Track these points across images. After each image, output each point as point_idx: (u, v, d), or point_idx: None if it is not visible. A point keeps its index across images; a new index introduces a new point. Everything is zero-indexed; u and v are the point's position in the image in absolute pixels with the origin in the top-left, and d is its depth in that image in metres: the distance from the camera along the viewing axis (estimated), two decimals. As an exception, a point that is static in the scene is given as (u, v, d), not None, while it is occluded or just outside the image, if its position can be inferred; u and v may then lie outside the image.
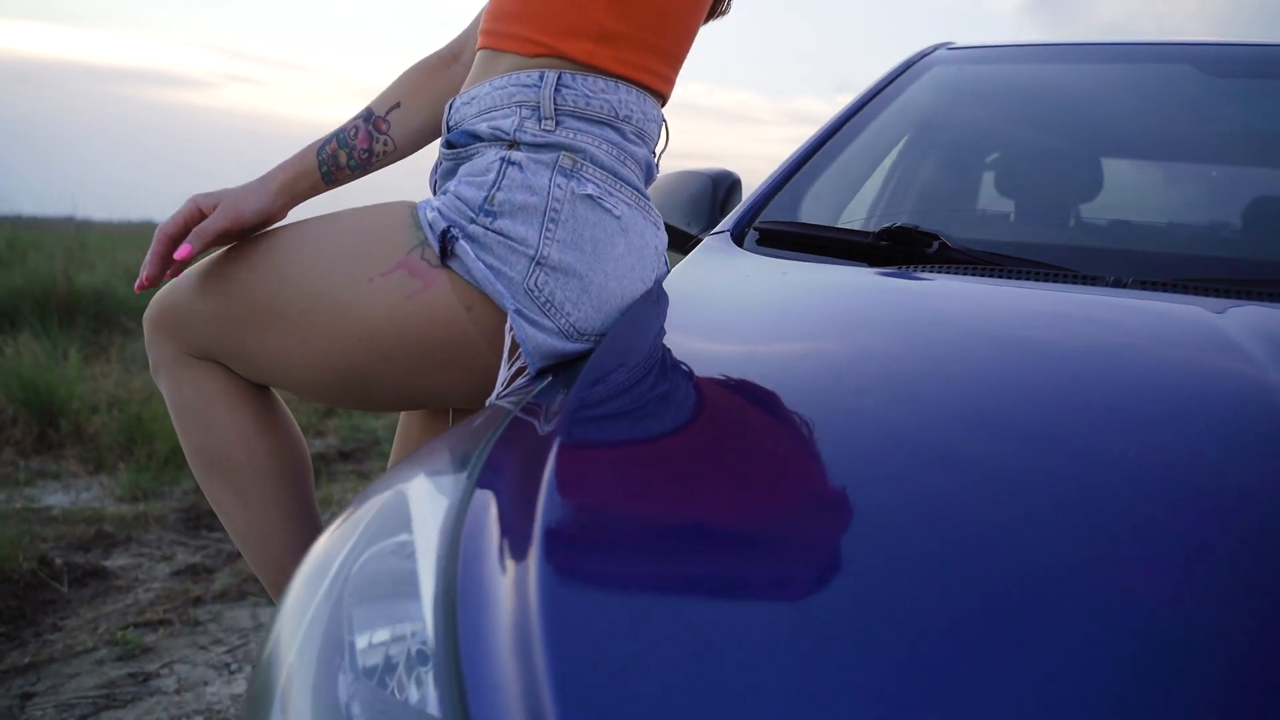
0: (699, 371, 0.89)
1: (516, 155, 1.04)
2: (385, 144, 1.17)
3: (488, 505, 0.71)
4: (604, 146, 1.06)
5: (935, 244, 1.17)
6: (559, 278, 1.03)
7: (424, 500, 0.75)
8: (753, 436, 0.80)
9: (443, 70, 1.22)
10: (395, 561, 0.71)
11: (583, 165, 1.05)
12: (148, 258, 1.09)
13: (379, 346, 1.05)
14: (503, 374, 1.03)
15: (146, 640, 2.24)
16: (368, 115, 1.17)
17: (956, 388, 0.82)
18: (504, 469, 0.77)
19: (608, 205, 1.05)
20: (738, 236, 1.32)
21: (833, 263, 1.21)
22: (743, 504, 0.71)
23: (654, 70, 1.10)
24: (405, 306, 1.04)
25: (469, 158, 1.08)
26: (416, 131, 1.19)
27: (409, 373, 1.08)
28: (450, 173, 1.12)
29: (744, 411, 0.83)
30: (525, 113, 1.05)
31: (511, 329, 1.02)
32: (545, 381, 0.99)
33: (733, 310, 1.07)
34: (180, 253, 1.07)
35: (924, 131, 1.69)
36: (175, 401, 1.17)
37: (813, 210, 1.42)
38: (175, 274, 1.13)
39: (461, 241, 1.02)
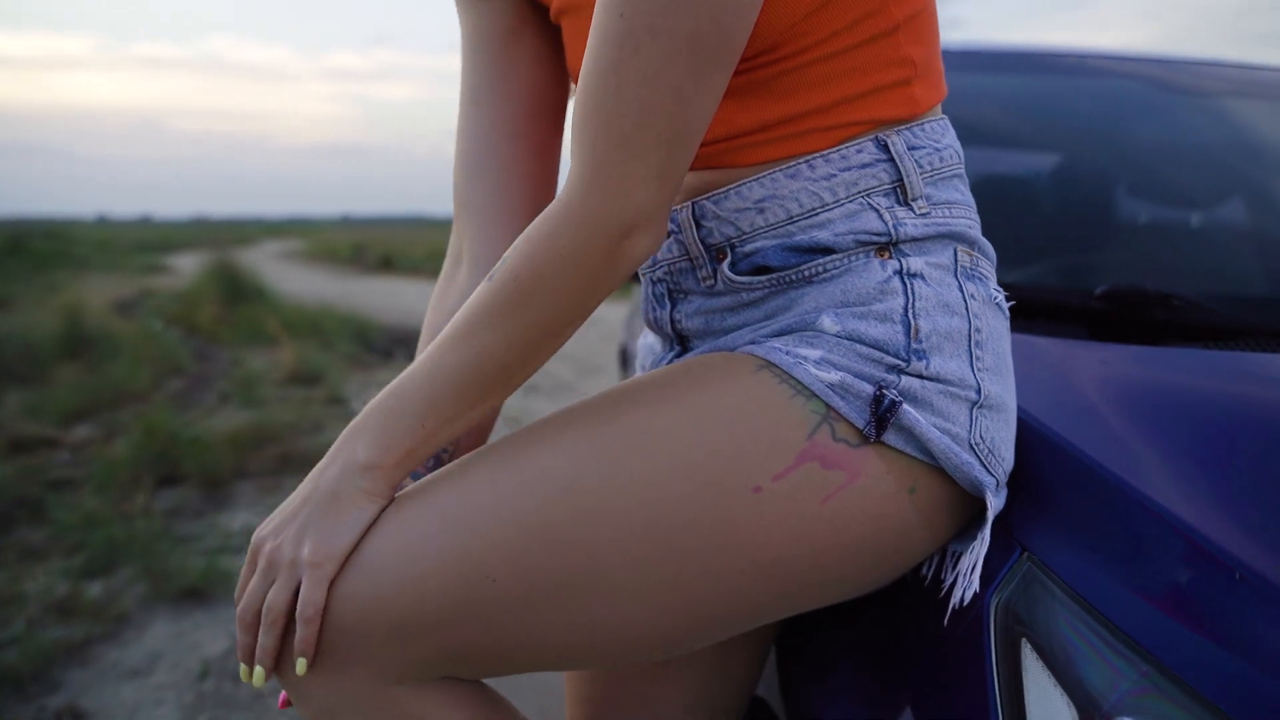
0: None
1: (914, 263, 0.74)
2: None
3: None
4: (971, 216, 0.80)
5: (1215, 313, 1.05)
6: (993, 417, 0.75)
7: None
8: None
9: (450, 287, 0.93)
10: None
11: (977, 258, 0.79)
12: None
13: (780, 575, 0.71)
14: (975, 561, 0.73)
15: None
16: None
17: None
18: None
19: (1000, 302, 0.80)
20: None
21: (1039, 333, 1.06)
22: None
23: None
24: (822, 512, 0.71)
25: (811, 279, 0.76)
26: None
27: (810, 593, 0.74)
28: (753, 305, 0.79)
29: None
30: (882, 201, 0.75)
31: (992, 506, 0.74)
32: (1021, 561, 0.74)
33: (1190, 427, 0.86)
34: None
35: (1004, 153, 1.54)
36: None
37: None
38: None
39: (906, 406, 0.71)
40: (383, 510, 0.73)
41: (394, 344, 7.82)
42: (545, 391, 5.49)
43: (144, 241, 31.89)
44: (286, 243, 36.43)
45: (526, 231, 0.72)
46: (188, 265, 16.64)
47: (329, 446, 0.75)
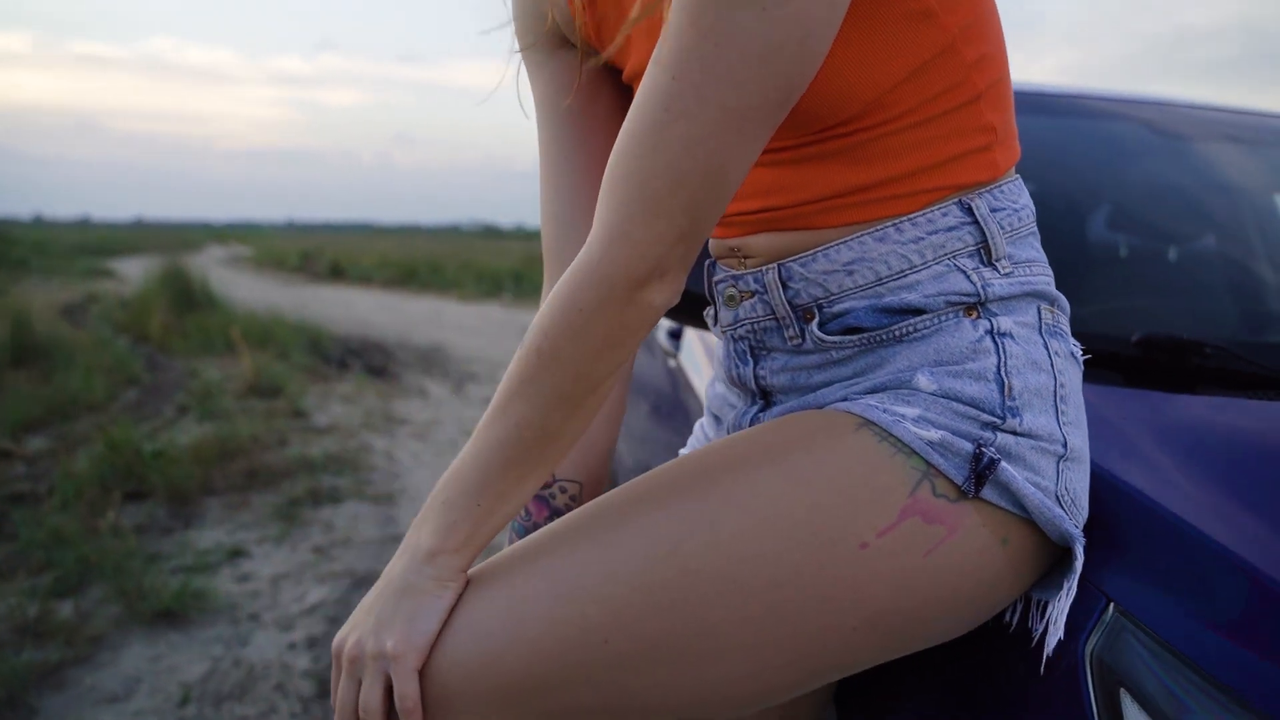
0: None
1: (1004, 323, 0.77)
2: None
3: None
4: (1048, 272, 0.83)
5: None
6: (1075, 469, 0.78)
7: None
8: None
9: None
10: None
11: (1058, 314, 0.81)
12: None
13: (882, 627, 0.72)
14: (1058, 612, 0.75)
15: None
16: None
17: None
18: None
19: (1077, 355, 0.83)
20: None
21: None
22: None
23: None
24: (924, 566, 0.72)
25: (901, 339, 0.77)
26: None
27: (905, 643, 0.76)
28: (841, 363, 0.80)
29: None
30: (968, 262, 0.77)
31: (1079, 556, 0.76)
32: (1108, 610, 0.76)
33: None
34: None
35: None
36: None
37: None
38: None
39: (1004, 463, 0.73)
40: (464, 589, 0.74)
41: (349, 354, 7.72)
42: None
43: (84, 244, 31.16)
44: (232, 248, 35.85)
45: (550, 294, 0.72)
46: (133, 270, 16.30)
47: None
